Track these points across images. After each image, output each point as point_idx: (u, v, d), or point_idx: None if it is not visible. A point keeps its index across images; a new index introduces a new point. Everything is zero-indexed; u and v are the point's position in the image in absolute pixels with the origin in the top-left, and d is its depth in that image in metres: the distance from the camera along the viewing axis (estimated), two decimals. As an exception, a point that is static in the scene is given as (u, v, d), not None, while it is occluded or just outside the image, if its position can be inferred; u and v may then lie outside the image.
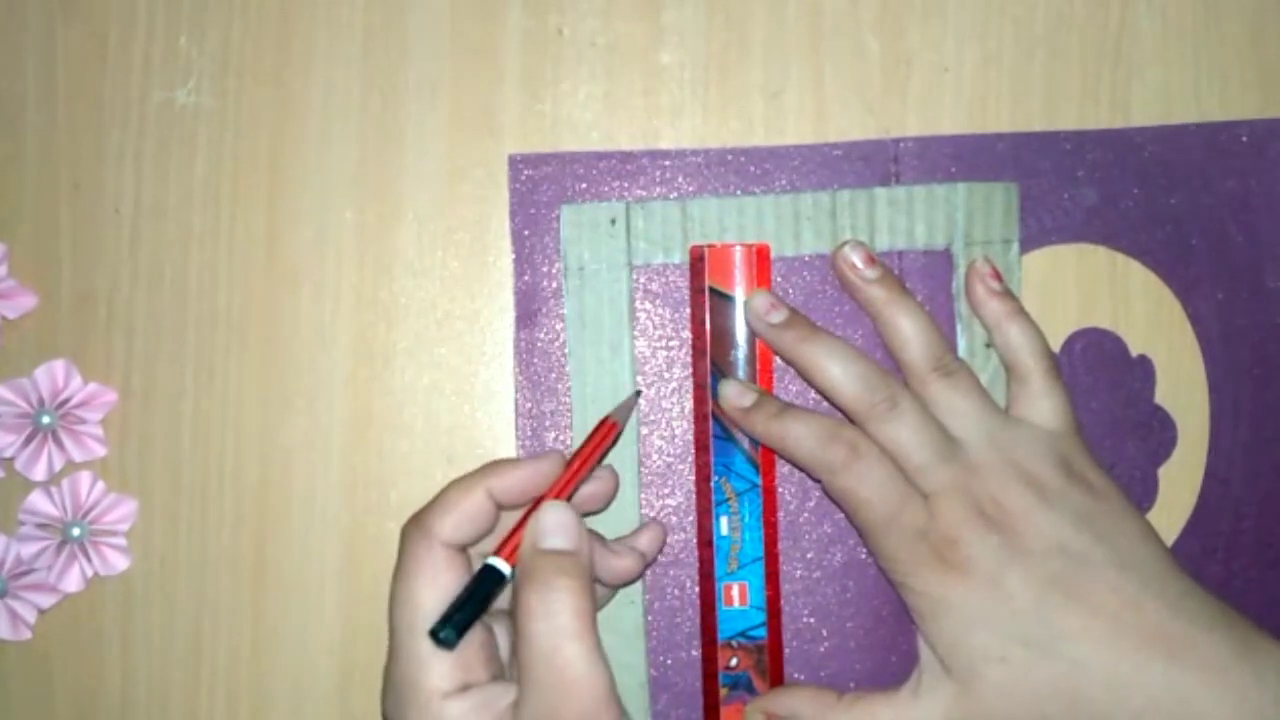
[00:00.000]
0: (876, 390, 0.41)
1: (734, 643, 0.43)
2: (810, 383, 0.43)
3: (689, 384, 0.45)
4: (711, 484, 0.43)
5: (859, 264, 0.44)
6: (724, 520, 0.43)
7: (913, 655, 0.42)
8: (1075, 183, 0.46)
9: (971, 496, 0.40)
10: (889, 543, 0.40)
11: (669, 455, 0.45)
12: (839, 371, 0.42)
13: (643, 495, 0.45)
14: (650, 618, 0.45)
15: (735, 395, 0.43)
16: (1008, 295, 0.44)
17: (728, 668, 0.43)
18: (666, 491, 0.45)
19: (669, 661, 0.45)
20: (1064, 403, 0.43)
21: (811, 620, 0.45)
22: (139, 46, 0.46)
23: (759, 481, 0.43)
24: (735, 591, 0.43)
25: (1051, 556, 0.39)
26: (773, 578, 0.43)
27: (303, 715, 0.45)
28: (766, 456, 0.43)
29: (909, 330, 0.43)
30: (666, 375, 0.45)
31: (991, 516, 0.40)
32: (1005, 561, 0.39)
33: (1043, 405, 0.42)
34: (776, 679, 0.43)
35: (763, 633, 0.43)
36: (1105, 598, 0.39)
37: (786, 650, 0.45)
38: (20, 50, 0.46)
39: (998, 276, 0.44)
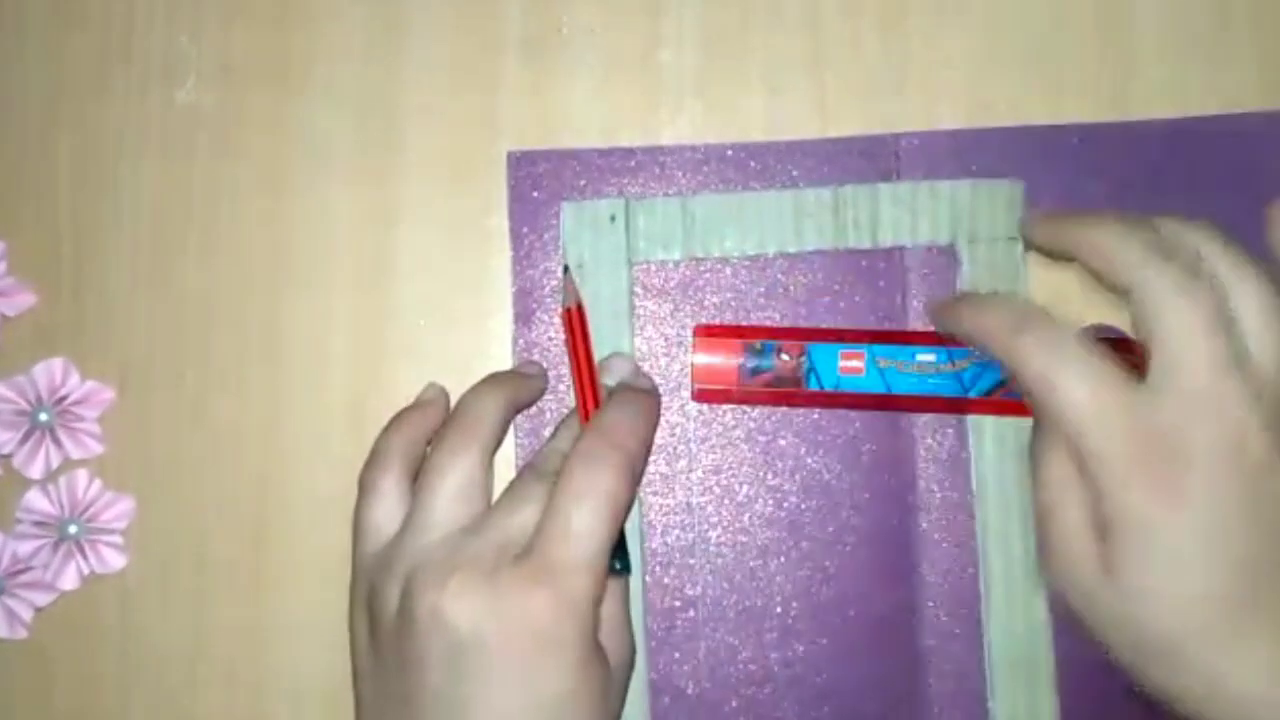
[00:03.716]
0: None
1: None
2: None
3: (688, 381, 0.45)
4: None
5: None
6: None
7: (913, 660, 0.42)
8: (1080, 177, 0.45)
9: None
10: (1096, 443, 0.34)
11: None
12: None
13: (643, 496, 0.44)
14: (651, 618, 0.44)
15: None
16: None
17: None
18: (667, 490, 0.45)
19: (670, 663, 0.44)
20: None
21: (811, 622, 0.44)
22: (139, 46, 0.46)
23: None
24: None
25: None
26: None
27: (301, 714, 0.45)
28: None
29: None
30: (666, 372, 0.45)
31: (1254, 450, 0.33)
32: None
33: None
34: None
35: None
36: None
37: (782, 657, 0.44)
38: (21, 50, 0.46)
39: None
